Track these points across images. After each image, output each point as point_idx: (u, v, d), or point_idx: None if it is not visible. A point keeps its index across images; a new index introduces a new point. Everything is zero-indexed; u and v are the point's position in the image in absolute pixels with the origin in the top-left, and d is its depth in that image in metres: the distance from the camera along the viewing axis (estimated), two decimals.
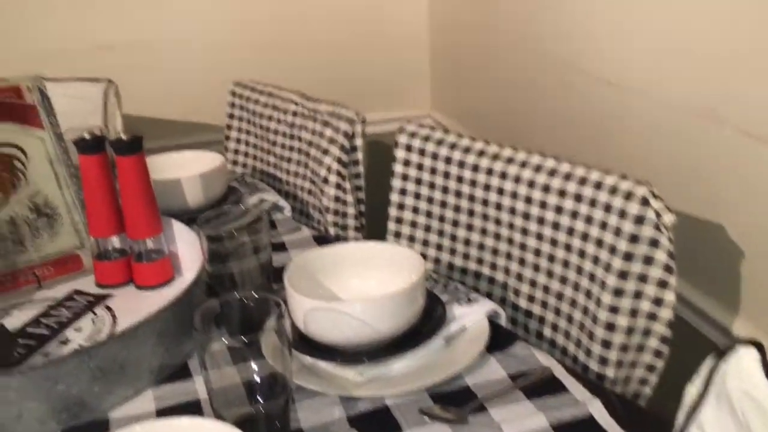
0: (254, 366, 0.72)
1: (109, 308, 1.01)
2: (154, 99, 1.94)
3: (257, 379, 0.72)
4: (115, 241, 1.07)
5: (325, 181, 1.29)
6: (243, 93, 1.52)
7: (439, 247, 1.13)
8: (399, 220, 1.17)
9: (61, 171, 1.10)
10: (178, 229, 1.09)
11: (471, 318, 0.86)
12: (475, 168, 1.06)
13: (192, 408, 0.79)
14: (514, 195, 1.01)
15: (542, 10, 1.44)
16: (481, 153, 1.05)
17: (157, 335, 0.85)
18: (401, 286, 0.82)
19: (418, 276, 0.83)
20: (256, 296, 0.77)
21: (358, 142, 1.25)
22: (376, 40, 2.19)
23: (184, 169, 1.24)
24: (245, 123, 1.52)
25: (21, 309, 1.02)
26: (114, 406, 0.81)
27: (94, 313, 1.00)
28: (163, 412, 0.79)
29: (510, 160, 1.02)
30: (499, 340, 0.84)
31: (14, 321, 0.99)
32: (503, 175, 1.02)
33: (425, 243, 1.15)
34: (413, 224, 1.16)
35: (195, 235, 1.07)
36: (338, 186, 1.27)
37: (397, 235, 1.17)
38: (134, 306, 1.01)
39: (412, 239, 1.16)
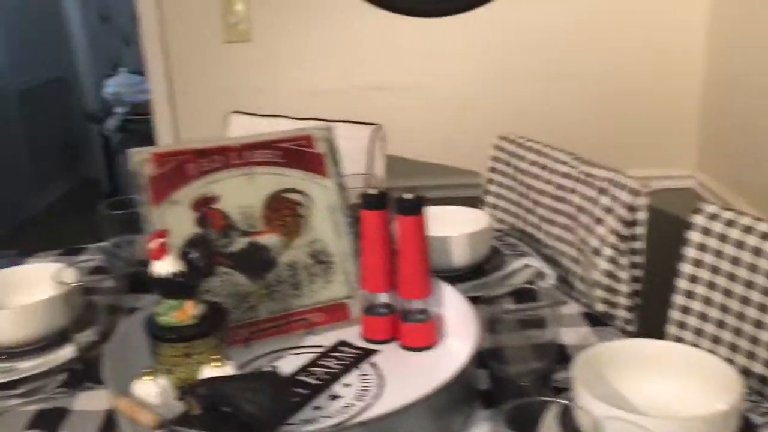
0: None
1: (374, 365, 1.01)
2: (415, 139, 1.99)
3: None
4: (384, 297, 1.07)
5: (597, 252, 1.20)
6: (508, 148, 1.47)
7: (734, 348, 0.99)
8: (685, 310, 1.04)
9: (340, 220, 1.12)
10: (446, 291, 1.06)
11: None
12: None
13: None
14: None
15: None
16: None
17: (430, 410, 0.82)
18: (716, 407, 0.70)
19: (736, 397, 0.71)
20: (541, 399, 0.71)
21: (641, 215, 1.15)
22: (642, 94, 2.05)
23: (450, 226, 1.21)
24: (507, 178, 1.48)
25: (292, 354, 1.05)
26: None
27: (361, 369, 1.00)
28: None
29: None
30: None
31: (286, 365, 1.01)
32: None
33: (716, 340, 1.01)
34: (703, 317, 1.03)
35: (461, 300, 1.04)
36: (612, 260, 1.17)
37: (681, 325, 1.05)
38: (400, 367, 1.00)
39: (699, 333, 1.03)
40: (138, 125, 3.54)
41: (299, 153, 1.13)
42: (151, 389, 0.85)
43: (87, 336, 1.01)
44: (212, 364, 0.88)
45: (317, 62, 2.10)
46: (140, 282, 1.03)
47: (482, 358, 0.94)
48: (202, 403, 0.82)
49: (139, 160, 1.05)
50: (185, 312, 0.92)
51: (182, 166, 1.07)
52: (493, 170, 1.51)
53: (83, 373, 1.00)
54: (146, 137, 3.59)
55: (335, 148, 1.14)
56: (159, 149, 1.07)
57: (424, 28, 2.02)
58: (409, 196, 1.00)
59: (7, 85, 3.95)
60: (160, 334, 0.91)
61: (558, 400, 0.70)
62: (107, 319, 1.03)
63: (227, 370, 0.88)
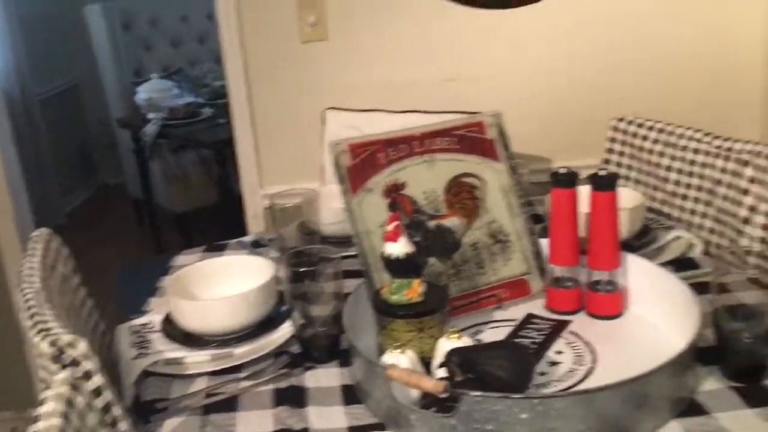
0: None
1: (575, 333, 1.07)
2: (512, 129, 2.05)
3: None
4: (569, 270, 1.13)
5: (746, 221, 1.27)
6: (627, 129, 1.54)
7: None
8: None
9: (514, 201, 1.18)
10: (633, 263, 1.12)
11: None
12: None
13: None
14: None
15: None
16: None
17: (672, 371, 0.88)
18: None
19: None
20: None
21: None
22: (706, 72, 2.12)
23: None
24: (627, 158, 1.55)
25: (490, 328, 1.11)
26: None
27: (565, 338, 1.06)
28: None
29: None
30: None
31: (489, 338, 1.07)
32: None
33: None
34: None
35: (653, 269, 1.10)
36: (766, 227, 1.25)
37: None
38: (599, 334, 1.06)
39: None
40: (177, 130, 3.55)
41: (472, 139, 1.19)
42: (402, 361, 0.90)
43: (298, 319, 1.06)
44: (451, 336, 0.93)
45: (393, 57, 2.15)
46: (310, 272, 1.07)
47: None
48: (460, 370, 0.88)
49: (338, 151, 1.10)
50: (415, 290, 0.97)
51: (374, 156, 1.12)
52: (610, 150, 1.57)
53: (301, 355, 1.05)
54: (187, 140, 3.63)
55: (505, 132, 1.20)
56: (354, 141, 1.12)
57: (499, 19, 2.08)
58: (604, 172, 1.06)
59: (29, 94, 3.96)
60: (393, 312, 0.97)
61: None
62: (303, 306, 1.08)
63: (465, 341, 0.93)
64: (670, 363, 0.85)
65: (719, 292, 0.99)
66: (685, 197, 1.42)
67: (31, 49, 4.04)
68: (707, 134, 1.39)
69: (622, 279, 1.11)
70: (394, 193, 1.12)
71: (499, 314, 1.14)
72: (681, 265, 1.22)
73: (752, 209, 1.26)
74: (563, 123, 2.11)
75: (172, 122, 3.57)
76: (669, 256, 1.26)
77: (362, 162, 1.12)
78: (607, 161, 1.58)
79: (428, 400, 0.87)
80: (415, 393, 0.88)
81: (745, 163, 1.29)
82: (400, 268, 0.97)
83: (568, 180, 1.08)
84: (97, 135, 4.81)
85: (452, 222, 1.15)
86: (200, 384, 1.01)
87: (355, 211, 1.10)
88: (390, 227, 0.96)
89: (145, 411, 0.96)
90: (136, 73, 4.32)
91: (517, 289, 1.17)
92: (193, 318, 1.06)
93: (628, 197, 1.29)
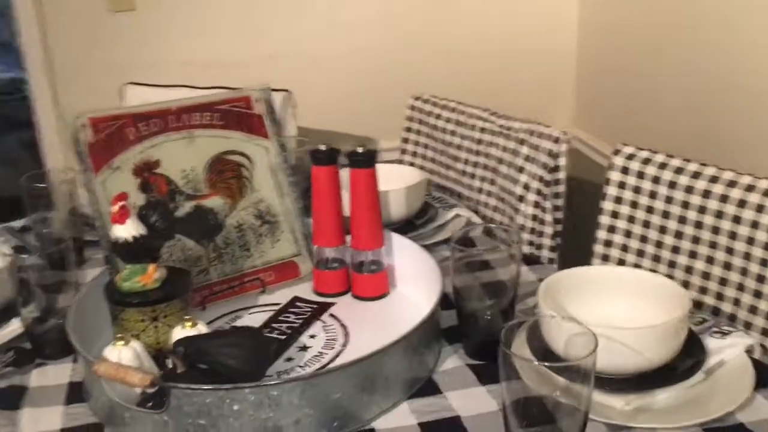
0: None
1: (335, 316, 1.03)
2: (318, 109, 1.99)
3: None
4: (336, 251, 1.09)
5: (521, 199, 1.28)
6: (423, 107, 1.53)
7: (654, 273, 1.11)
8: (608, 243, 1.15)
9: (282, 180, 1.13)
10: (397, 241, 1.10)
11: (729, 352, 0.84)
12: (706, 194, 1.03)
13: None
14: (755, 225, 0.98)
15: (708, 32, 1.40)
16: (714, 179, 1.03)
17: (407, 349, 0.86)
18: (670, 315, 0.80)
19: (684, 306, 0.81)
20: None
21: (562, 161, 1.24)
22: (521, 55, 2.16)
23: (388, 182, 1.24)
24: (423, 137, 1.54)
25: (250, 313, 1.05)
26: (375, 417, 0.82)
27: (323, 321, 1.02)
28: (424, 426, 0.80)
29: (751, 188, 0.99)
30: (762, 375, 0.82)
31: (246, 324, 1.02)
32: (741, 203, 0.99)
33: (637, 267, 1.13)
34: (624, 248, 1.14)
35: (416, 249, 1.08)
36: (537, 205, 1.26)
37: (605, 258, 1.16)
38: (359, 316, 1.03)
39: (622, 263, 1.14)
40: None
41: (238, 114, 1.12)
42: (125, 354, 0.83)
43: (30, 312, 0.97)
44: (186, 324, 0.87)
45: (208, 32, 2.05)
46: (61, 259, 0.99)
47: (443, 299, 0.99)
48: (185, 361, 0.82)
49: (77, 126, 1.00)
50: (149, 275, 0.90)
51: (121, 131, 1.03)
52: (408, 130, 1.56)
53: (32, 351, 0.96)
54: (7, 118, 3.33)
55: (273, 108, 1.15)
56: (96, 114, 1.02)
57: None
58: (361, 149, 1.03)
59: None
60: (124, 300, 0.89)
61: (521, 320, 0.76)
62: (44, 296, 0.99)
63: (200, 329, 0.88)
64: (395, 344, 0.83)
65: (481, 270, 0.98)
66: (473, 176, 1.42)
67: None
68: (493, 113, 1.40)
69: (387, 259, 1.08)
70: (146, 171, 1.04)
71: (264, 299, 1.09)
72: (459, 242, 1.21)
73: (526, 187, 1.27)
74: (379, 102, 2.09)
75: None
76: (447, 234, 1.25)
77: (107, 138, 1.02)
78: (406, 140, 1.57)
79: (146, 396, 0.80)
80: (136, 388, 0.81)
81: (521, 142, 1.31)
82: (129, 252, 0.89)
83: (326, 157, 1.04)
84: None
85: (214, 202, 1.09)
86: None
87: (98, 191, 1.01)
88: (114, 208, 0.88)
89: None
90: None
91: (285, 271, 1.12)
92: None
93: (409, 175, 1.28)
